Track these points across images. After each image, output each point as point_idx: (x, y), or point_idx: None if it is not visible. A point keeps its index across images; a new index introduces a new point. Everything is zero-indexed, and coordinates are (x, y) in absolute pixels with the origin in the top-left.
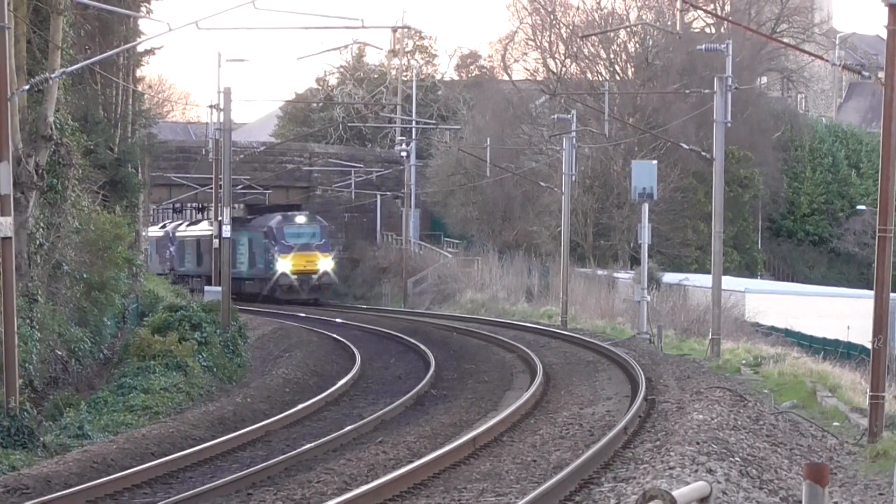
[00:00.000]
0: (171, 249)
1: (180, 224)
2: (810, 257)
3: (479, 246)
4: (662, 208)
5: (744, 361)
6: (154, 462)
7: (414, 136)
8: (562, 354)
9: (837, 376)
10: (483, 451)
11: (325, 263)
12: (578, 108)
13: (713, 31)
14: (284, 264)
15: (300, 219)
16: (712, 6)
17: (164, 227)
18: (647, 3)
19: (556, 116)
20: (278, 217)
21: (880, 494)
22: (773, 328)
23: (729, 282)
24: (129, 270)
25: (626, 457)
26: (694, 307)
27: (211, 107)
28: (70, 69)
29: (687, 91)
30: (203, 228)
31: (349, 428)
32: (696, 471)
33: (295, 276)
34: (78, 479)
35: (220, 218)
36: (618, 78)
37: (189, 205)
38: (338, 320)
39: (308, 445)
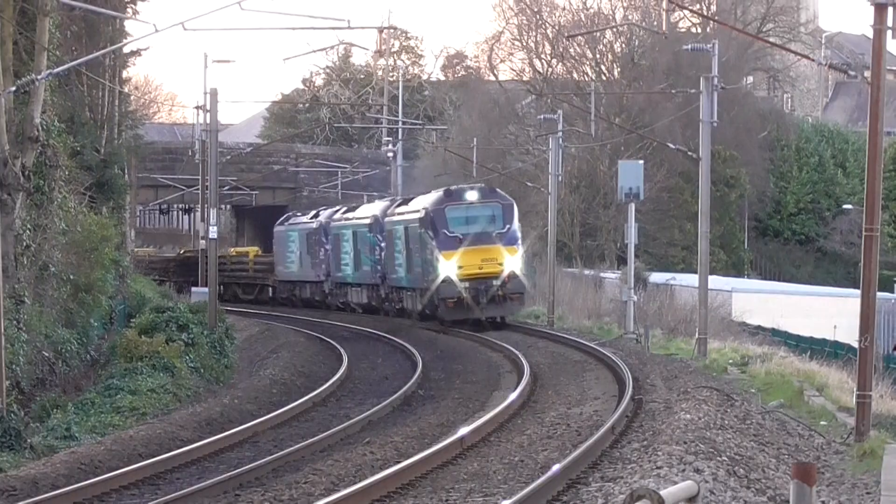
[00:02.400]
0: (327, 247)
1: (339, 210)
2: (797, 256)
3: None
4: (649, 208)
5: (731, 361)
6: (141, 463)
7: (400, 137)
8: (549, 354)
9: (824, 375)
10: (471, 451)
11: (511, 262)
12: (565, 108)
13: (699, 30)
14: (448, 266)
15: (471, 195)
16: (698, 6)
17: (315, 215)
18: (632, 3)
19: (542, 116)
20: (438, 195)
21: (867, 493)
22: (759, 328)
23: (715, 281)
24: (116, 272)
25: (614, 456)
26: (681, 307)
27: (197, 108)
28: (56, 70)
29: (673, 91)
30: (409, 209)
31: (336, 428)
32: (684, 470)
33: (466, 284)
34: (65, 480)
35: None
36: (604, 78)
37: (176, 206)
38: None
39: (296, 446)
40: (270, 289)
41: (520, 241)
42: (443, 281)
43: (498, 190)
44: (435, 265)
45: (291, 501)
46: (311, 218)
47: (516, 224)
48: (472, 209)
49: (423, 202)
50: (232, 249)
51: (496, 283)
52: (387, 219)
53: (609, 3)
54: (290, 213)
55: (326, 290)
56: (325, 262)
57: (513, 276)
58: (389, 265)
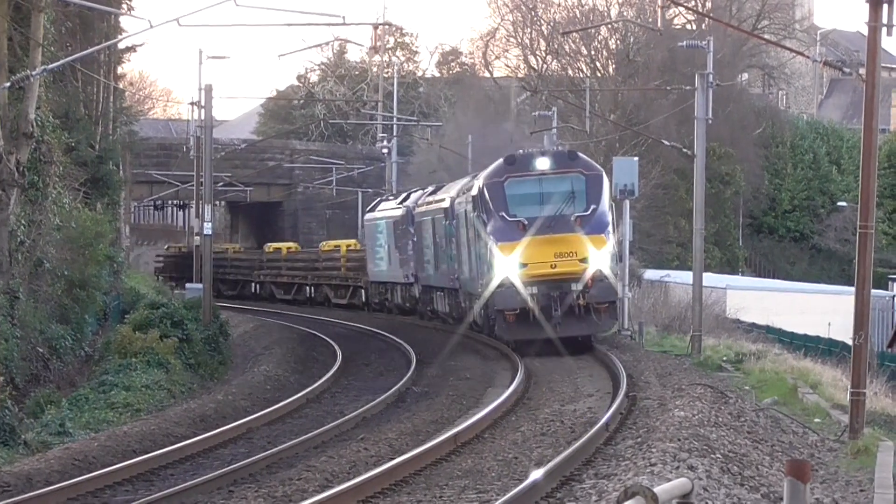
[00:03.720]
0: (413, 240)
1: (427, 192)
2: (791, 254)
3: None
4: (644, 205)
5: (725, 358)
6: (136, 459)
7: (395, 133)
8: (543, 350)
9: (818, 373)
10: (465, 448)
11: (598, 257)
12: (559, 104)
13: (694, 27)
14: (506, 264)
15: (542, 163)
16: (693, 3)
17: (405, 198)
18: (627, 0)
19: (537, 113)
20: (496, 164)
21: (861, 490)
22: (754, 325)
23: (710, 278)
24: (111, 267)
25: (608, 453)
26: (675, 304)
27: (192, 104)
28: (51, 66)
29: (668, 88)
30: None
31: (330, 425)
32: (678, 467)
33: (532, 289)
34: (59, 476)
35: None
36: (599, 75)
37: (171, 202)
38: None
39: (289, 443)
40: (363, 291)
41: (611, 228)
42: (499, 285)
43: (581, 155)
44: (488, 262)
45: (285, 498)
46: (400, 202)
47: (606, 203)
48: (543, 182)
49: (474, 178)
50: (324, 244)
51: (576, 287)
52: (457, 200)
53: (603, 0)
54: (381, 198)
55: (416, 295)
56: (412, 258)
57: (599, 277)
58: (458, 262)
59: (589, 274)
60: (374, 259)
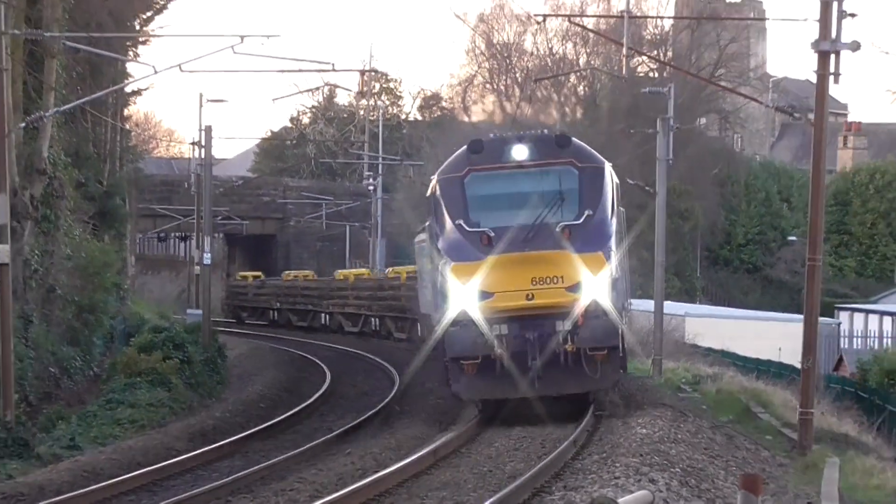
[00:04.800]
0: None
1: None
2: (745, 284)
3: None
4: None
5: (684, 380)
6: (140, 471)
7: (380, 172)
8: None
9: (770, 394)
10: (443, 461)
11: (592, 283)
12: None
13: (656, 75)
14: (462, 294)
15: (518, 151)
16: (656, 52)
17: None
18: (595, 49)
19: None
20: (458, 154)
21: (809, 503)
22: (710, 349)
23: (670, 306)
24: (117, 294)
25: (576, 467)
26: (638, 330)
27: (193, 143)
28: (63, 108)
29: (632, 130)
30: None
31: (320, 440)
32: (640, 480)
33: (501, 328)
34: (69, 486)
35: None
36: (568, 119)
37: (173, 234)
38: None
39: (282, 456)
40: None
41: (614, 244)
42: (453, 323)
43: (576, 141)
44: (441, 291)
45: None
46: None
47: (609, 207)
48: (519, 178)
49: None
50: (390, 270)
51: (562, 326)
52: None
53: (573, 49)
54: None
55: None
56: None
57: (595, 312)
58: (420, 289)
59: (580, 307)
60: (421, 288)
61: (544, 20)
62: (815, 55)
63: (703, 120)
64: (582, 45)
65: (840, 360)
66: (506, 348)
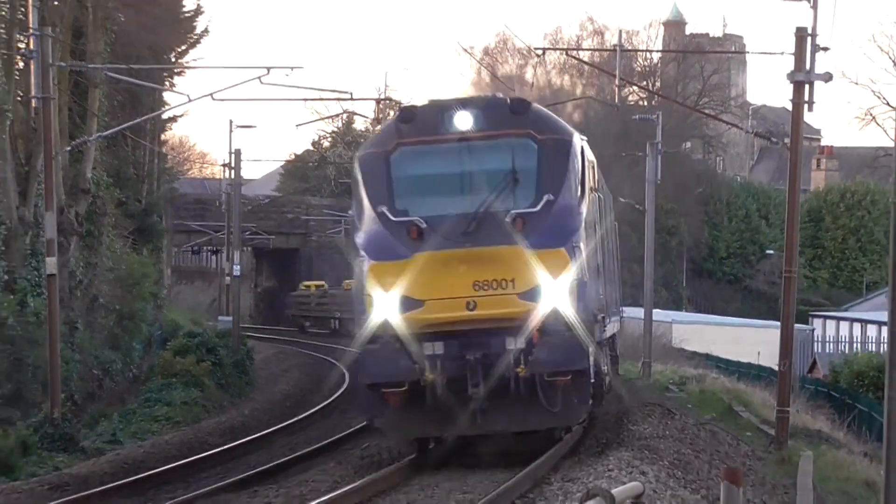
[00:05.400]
0: None
1: None
2: (727, 294)
3: None
4: None
5: (671, 381)
6: (175, 463)
7: None
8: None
9: (750, 394)
10: (458, 452)
11: (552, 289)
12: None
13: (646, 103)
14: (384, 303)
15: (461, 119)
16: (645, 82)
17: None
18: (590, 80)
19: None
20: (386, 125)
21: (785, 493)
22: (695, 353)
23: (658, 314)
24: (154, 303)
25: (573, 460)
26: (629, 335)
27: (224, 165)
28: (105, 134)
29: (623, 154)
30: None
31: (339, 435)
32: (631, 472)
33: (433, 347)
34: (111, 478)
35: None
36: None
37: (205, 248)
38: None
39: (305, 450)
40: None
41: (581, 234)
42: (371, 339)
43: (536, 107)
44: (360, 298)
45: (302, 496)
46: None
47: (574, 190)
48: (461, 154)
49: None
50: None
51: (513, 343)
52: None
53: (570, 80)
54: None
55: None
56: None
57: (555, 326)
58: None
59: (536, 319)
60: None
61: (543, 53)
62: (791, 85)
63: (689, 144)
64: (578, 76)
65: (814, 363)
66: (440, 372)
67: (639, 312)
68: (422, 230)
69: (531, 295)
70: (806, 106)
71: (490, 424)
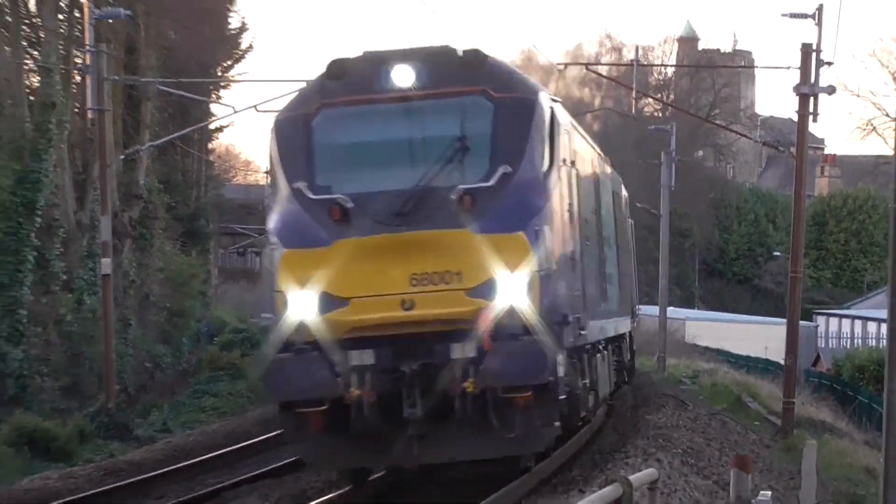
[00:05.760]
0: None
1: None
2: (736, 293)
3: None
4: None
5: (684, 374)
6: (222, 451)
7: None
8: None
9: (758, 387)
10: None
11: (508, 283)
12: None
13: (661, 114)
14: (298, 300)
15: (400, 74)
16: (660, 95)
17: None
18: (608, 93)
19: None
20: (311, 84)
21: (791, 479)
22: (707, 348)
23: (672, 312)
24: (202, 301)
25: (593, 448)
26: (645, 331)
27: (266, 173)
28: (156, 143)
29: (640, 161)
30: None
31: None
32: (647, 460)
33: (362, 357)
34: (162, 464)
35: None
36: None
37: (250, 249)
38: None
39: None
40: None
41: (546, 215)
42: (286, 346)
43: (491, 59)
44: (270, 295)
45: (338, 481)
46: None
47: (540, 158)
48: (395, 117)
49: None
50: None
51: (460, 351)
52: None
53: (589, 92)
54: None
55: None
56: None
57: (511, 328)
58: None
59: (486, 320)
60: None
61: (565, 68)
62: (797, 98)
63: (701, 153)
64: (597, 89)
65: (818, 357)
66: (368, 388)
67: (654, 310)
68: (347, 211)
69: (482, 291)
70: (811, 117)
71: (431, 453)
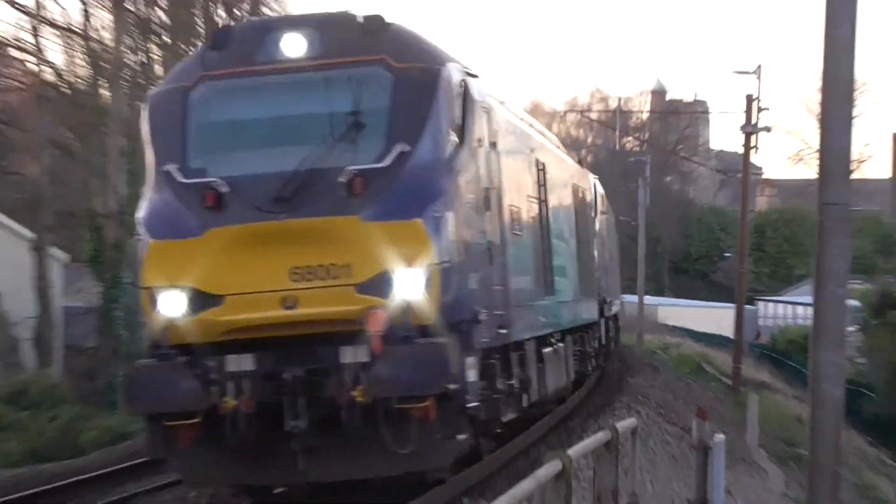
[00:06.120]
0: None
1: None
2: (697, 285)
3: None
4: None
5: (657, 347)
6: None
7: None
8: None
9: (713, 356)
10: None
11: (406, 279)
12: None
13: (639, 149)
14: (163, 300)
15: (290, 43)
16: (638, 134)
17: None
18: (598, 133)
19: None
20: (192, 55)
21: (741, 426)
22: (675, 327)
23: (648, 300)
24: None
25: (588, 403)
26: (628, 315)
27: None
28: None
29: (623, 187)
30: None
31: None
32: (629, 412)
33: (240, 363)
34: None
35: None
36: None
37: None
38: None
39: None
40: None
41: (450, 199)
42: (151, 350)
43: (394, 25)
44: (136, 294)
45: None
46: None
47: (446, 136)
48: (280, 90)
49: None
50: None
51: (350, 355)
52: None
53: (583, 132)
54: None
55: None
56: None
57: (405, 329)
58: None
59: (378, 320)
60: None
61: (565, 114)
62: (742, 135)
63: (669, 178)
64: (589, 130)
65: (758, 333)
66: (246, 398)
67: (634, 298)
68: (221, 196)
69: (374, 286)
70: (753, 150)
71: (317, 471)
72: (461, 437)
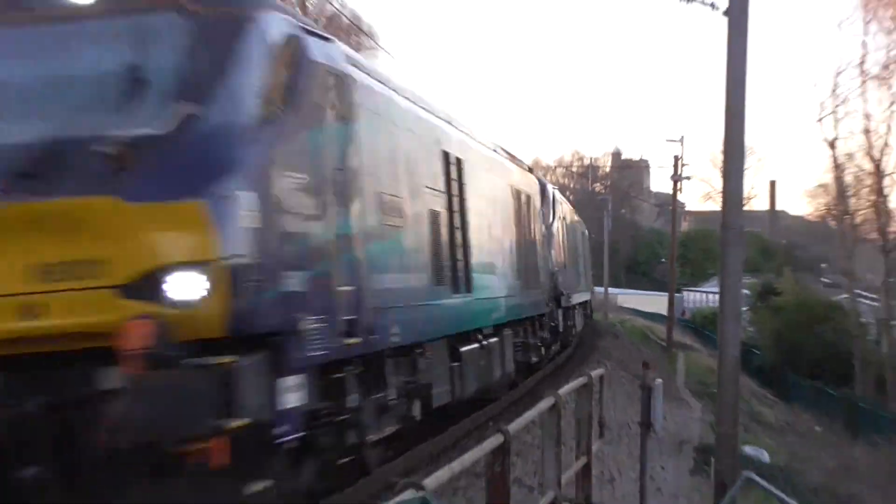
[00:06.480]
0: None
1: None
2: (642, 281)
3: None
4: None
5: (617, 322)
6: None
7: None
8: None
9: (655, 328)
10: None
11: (180, 274)
12: None
13: (604, 191)
14: None
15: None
16: (603, 181)
17: None
18: (578, 181)
19: None
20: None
21: (673, 374)
22: (629, 308)
23: (611, 290)
24: None
25: (570, 360)
26: (599, 301)
27: None
28: None
29: (594, 217)
30: None
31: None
32: (600, 363)
33: None
34: None
35: None
36: None
37: None
38: None
39: None
40: None
41: (254, 176)
42: None
43: None
44: None
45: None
46: None
47: (246, 94)
48: (43, 43)
49: None
50: None
51: (112, 380)
52: None
53: (567, 181)
54: None
55: None
56: None
57: (171, 349)
58: None
59: (137, 335)
60: None
61: (555, 168)
62: (671, 182)
63: (623, 210)
64: (571, 178)
65: (684, 312)
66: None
67: (601, 290)
68: None
69: (139, 289)
70: (679, 191)
71: None
72: (257, 485)
